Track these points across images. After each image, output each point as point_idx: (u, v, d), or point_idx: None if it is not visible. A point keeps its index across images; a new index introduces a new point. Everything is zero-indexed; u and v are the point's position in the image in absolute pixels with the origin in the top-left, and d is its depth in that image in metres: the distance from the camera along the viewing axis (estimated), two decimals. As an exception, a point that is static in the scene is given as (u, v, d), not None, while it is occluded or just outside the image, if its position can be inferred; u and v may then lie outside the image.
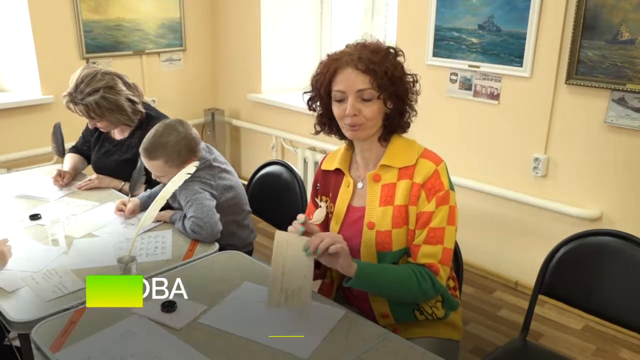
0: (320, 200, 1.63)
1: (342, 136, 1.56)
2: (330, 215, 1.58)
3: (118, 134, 2.38)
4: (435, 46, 2.89)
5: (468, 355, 2.39)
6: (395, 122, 1.49)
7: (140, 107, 2.29)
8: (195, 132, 1.99)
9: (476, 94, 2.83)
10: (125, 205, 2.02)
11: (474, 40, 2.75)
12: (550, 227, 2.69)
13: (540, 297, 1.74)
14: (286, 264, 1.35)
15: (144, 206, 2.03)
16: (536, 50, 2.57)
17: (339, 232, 1.52)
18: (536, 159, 2.69)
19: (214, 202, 1.92)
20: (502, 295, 2.87)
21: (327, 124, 1.56)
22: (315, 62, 1.51)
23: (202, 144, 2.09)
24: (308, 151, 3.63)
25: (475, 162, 2.93)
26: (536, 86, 2.61)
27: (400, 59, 1.47)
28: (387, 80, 1.40)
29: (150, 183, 2.17)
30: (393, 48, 1.47)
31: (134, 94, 2.28)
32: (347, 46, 1.48)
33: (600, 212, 2.56)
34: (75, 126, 2.56)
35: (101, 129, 2.32)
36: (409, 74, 1.47)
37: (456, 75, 2.87)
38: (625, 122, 2.37)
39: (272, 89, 3.94)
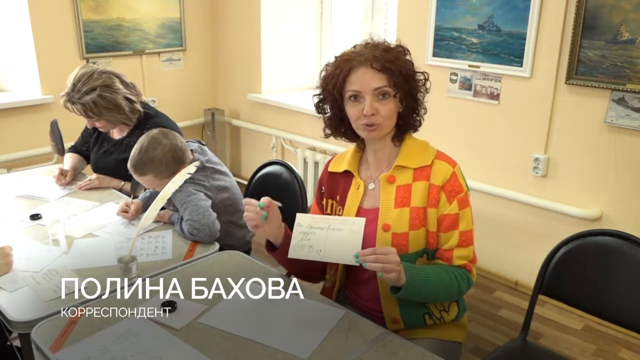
0: (327, 203, 1.61)
1: (351, 138, 1.55)
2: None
3: (117, 134, 2.38)
4: (435, 46, 2.89)
5: (468, 355, 2.39)
6: (407, 121, 1.49)
7: (138, 106, 2.29)
8: (180, 140, 1.98)
9: (476, 94, 2.83)
10: (128, 206, 2.02)
11: (474, 40, 2.75)
12: (550, 227, 2.69)
13: (540, 297, 1.74)
14: (330, 237, 1.36)
15: (146, 207, 2.04)
16: (536, 50, 2.57)
17: None
18: (536, 159, 2.69)
19: (209, 202, 1.92)
20: (502, 295, 2.87)
21: (338, 126, 1.53)
22: (315, 62, 1.51)
23: (195, 145, 2.09)
24: (308, 151, 3.63)
25: (475, 162, 2.93)
26: (536, 86, 2.61)
27: (408, 57, 1.47)
28: (402, 78, 1.41)
29: (121, 176, 2.20)
30: (401, 47, 1.47)
31: (131, 92, 2.28)
32: (355, 46, 1.47)
33: (600, 212, 2.56)
34: (74, 125, 2.56)
35: (100, 129, 2.32)
36: (419, 72, 1.48)
37: (456, 75, 2.87)
38: (625, 122, 2.37)
39: (272, 89, 3.94)
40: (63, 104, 2.20)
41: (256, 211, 1.43)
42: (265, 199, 1.45)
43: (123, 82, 2.28)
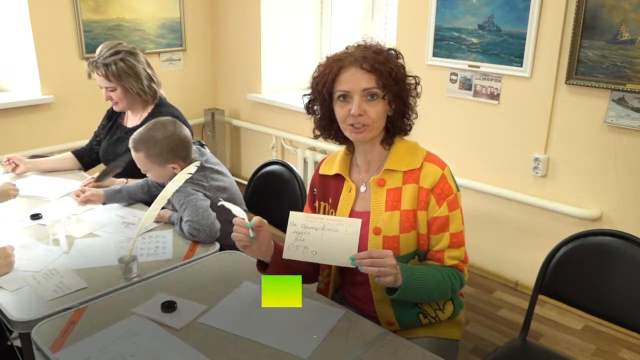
0: (319, 206, 1.61)
1: (341, 140, 1.55)
2: None
3: (130, 120, 2.42)
4: (435, 46, 2.89)
5: (468, 355, 2.39)
6: (397, 125, 1.48)
7: (155, 87, 2.36)
8: (186, 134, 1.98)
9: (476, 94, 2.83)
10: (84, 192, 2.09)
11: (474, 40, 2.76)
12: (550, 227, 2.69)
13: (540, 297, 1.74)
14: (325, 238, 1.35)
15: (108, 200, 2.10)
16: (536, 50, 2.57)
17: None
18: (536, 159, 2.69)
19: (208, 202, 1.92)
20: (502, 295, 2.87)
21: (327, 127, 1.53)
22: (315, 62, 1.51)
23: (194, 146, 2.09)
24: (308, 151, 3.63)
25: (475, 162, 2.93)
26: (536, 86, 2.61)
27: (400, 61, 1.46)
28: (392, 80, 1.40)
29: (133, 176, 2.23)
30: (393, 50, 1.47)
31: (152, 73, 2.36)
32: (347, 47, 1.47)
33: (600, 212, 2.56)
34: (76, 127, 2.55)
35: (114, 104, 2.36)
36: (411, 76, 1.47)
37: (456, 75, 2.87)
38: (625, 122, 2.37)
39: (272, 89, 3.94)
40: (86, 67, 2.28)
41: (245, 232, 1.39)
42: (256, 219, 1.42)
43: (147, 61, 2.37)
